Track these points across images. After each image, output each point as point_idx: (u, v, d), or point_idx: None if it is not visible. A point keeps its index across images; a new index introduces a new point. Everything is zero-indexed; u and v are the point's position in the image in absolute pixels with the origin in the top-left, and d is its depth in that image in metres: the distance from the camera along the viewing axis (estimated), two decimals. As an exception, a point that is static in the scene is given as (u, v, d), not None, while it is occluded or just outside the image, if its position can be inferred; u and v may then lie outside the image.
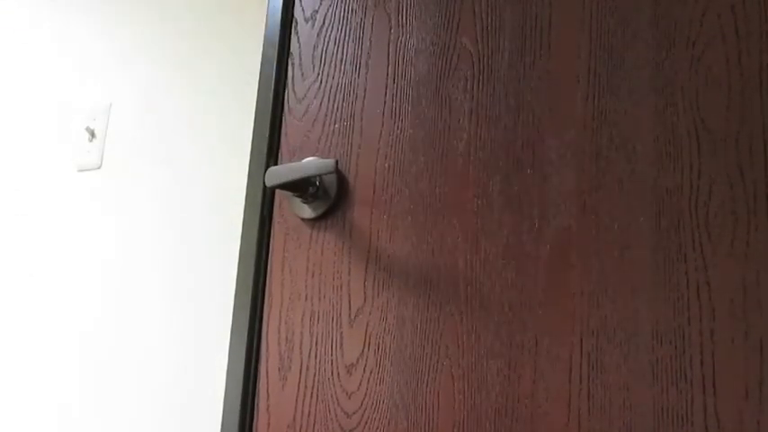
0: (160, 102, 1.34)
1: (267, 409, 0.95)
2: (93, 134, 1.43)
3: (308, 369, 0.93)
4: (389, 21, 0.97)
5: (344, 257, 0.93)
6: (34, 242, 1.48)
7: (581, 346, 0.73)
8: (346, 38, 1.01)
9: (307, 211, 0.97)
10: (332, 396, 0.89)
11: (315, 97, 1.02)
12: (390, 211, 0.90)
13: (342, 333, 0.90)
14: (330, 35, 1.03)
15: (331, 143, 0.98)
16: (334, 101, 1.00)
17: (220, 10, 1.29)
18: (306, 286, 0.95)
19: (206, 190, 1.21)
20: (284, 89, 1.06)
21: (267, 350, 0.97)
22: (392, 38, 0.96)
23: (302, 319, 0.95)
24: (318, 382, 0.91)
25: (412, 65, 0.93)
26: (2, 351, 1.46)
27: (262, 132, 1.05)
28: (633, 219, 0.73)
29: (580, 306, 0.74)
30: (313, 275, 0.95)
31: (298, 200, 0.98)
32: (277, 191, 1.02)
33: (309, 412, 0.91)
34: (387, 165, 0.92)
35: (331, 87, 1.00)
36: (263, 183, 1.02)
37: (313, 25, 1.05)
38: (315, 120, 1.01)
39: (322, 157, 0.99)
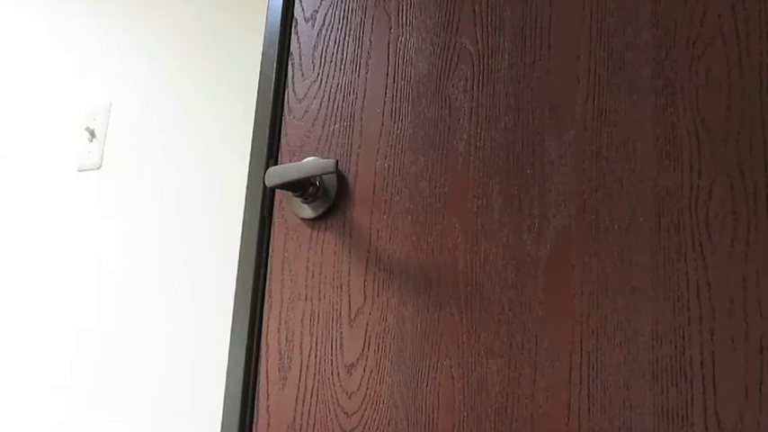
0: (160, 101, 1.34)
1: (267, 409, 0.95)
2: (93, 134, 1.43)
3: (307, 369, 0.93)
4: (389, 21, 0.97)
5: (344, 257, 0.93)
6: (34, 242, 1.48)
7: (581, 346, 0.73)
8: (346, 38, 1.01)
9: (307, 211, 0.97)
10: (332, 396, 0.89)
11: (315, 97, 1.02)
12: (390, 211, 0.90)
13: (342, 333, 0.90)
14: (330, 35, 1.03)
15: (331, 143, 0.98)
16: (334, 101, 1.00)
17: (220, 10, 1.29)
18: (306, 286, 0.95)
19: (206, 190, 1.21)
20: (284, 89, 1.06)
21: (267, 350, 0.97)
22: (392, 38, 0.96)
23: (302, 319, 0.95)
24: (318, 382, 0.91)
25: (412, 65, 0.93)
26: (2, 351, 1.46)
27: (262, 132, 1.05)
28: (633, 219, 0.73)
29: (580, 306, 0.74)
30: (313, 275, 0.95)
31: (298, 200, 0.98)
32: (277, 191, 1.02)
33: (309, 412, 0.91)
34: (387, 165, 0.92)
35: (331, 87, 1.00)
36: (263, 183, 1.02)
37: (313, 25, 1.05)
38: (315, 120, 1.01)
39: (322, 157, 0.99)
